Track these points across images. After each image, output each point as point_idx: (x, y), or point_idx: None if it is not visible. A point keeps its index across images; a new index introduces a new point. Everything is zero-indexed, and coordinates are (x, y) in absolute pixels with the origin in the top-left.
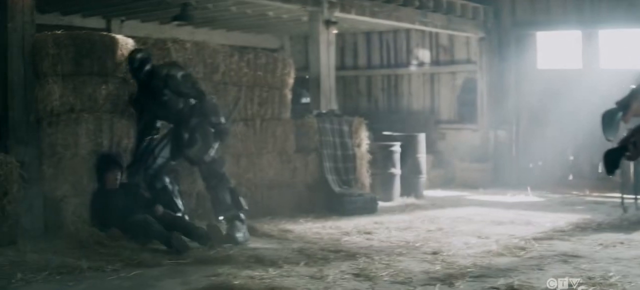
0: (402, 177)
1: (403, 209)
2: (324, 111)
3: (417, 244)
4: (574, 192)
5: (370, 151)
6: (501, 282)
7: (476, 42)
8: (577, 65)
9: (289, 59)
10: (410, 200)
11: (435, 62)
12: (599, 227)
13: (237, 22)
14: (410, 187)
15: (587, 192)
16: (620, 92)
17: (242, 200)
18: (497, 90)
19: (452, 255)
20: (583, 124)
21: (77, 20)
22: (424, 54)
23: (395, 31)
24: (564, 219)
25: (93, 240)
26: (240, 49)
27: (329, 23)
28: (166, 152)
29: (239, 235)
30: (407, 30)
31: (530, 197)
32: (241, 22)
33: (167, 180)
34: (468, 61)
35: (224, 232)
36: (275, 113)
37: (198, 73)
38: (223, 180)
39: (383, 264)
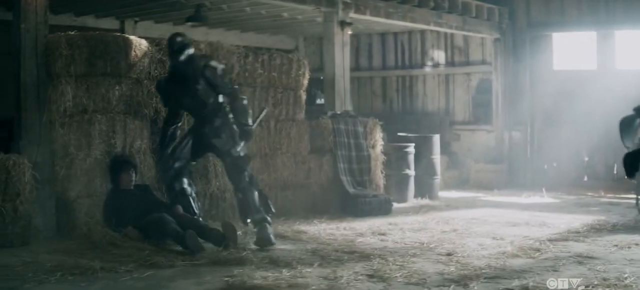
0: (416, 178)
1: (417, 210)
2: (338, 112)
3: (431, 245)
4: (589, 194)
5: (385, 152)
6: (516, 283)
7: (491, 43)
8: (592, 66)
9: (304, 59)
10: (425, 201)
11: (450, 63)
12: (614, 229)
13: (252, 23)
14: (424, 188)
15: (602, 194)
16: (636, 92)
17: (271, 203)
18: (512, 91)
19: (467, 256)
20: (598, 125)
21: (90, 21)
22: (439, 55)
23: (410, 32)
24: (578, 220)
25: (106, 241)
26: (255, 49)
27: (343, 24)
28: (187, 153)
29: (271, 236)
30: (422, 31)
31: (545, 198)
32: (256, 22)
33: (185, 182)
34: (483, 62)
35: (255, 236)
36: (290, 114)
37: None
38: (252, 182)
39: (397, 265)
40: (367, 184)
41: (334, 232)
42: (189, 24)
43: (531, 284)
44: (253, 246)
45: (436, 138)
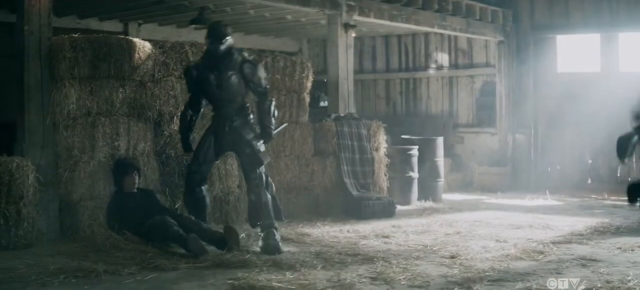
0: (420, 180)
1: (421, 212)
2: (342, 114)
3: (435, 248)
4: (593, 196)
5: (389, 155)
6: (519, 286)
7: (495, 45)
8: (595, 69)
9: (307, 62)
10: (428, 204)
11: (453, 65)
12: (618, 231)
13: (256, 26)
14: (428, 190)
15: (606, 196)
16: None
17: (282, 211)
18: (516, 94)
19: (470, 259)
20: (601, 128)
21: (94, 24)
22: (443, 58)
23: (414, 34)
24: (582, 222)
25: (109, 243)
26: (259, 52)
27: (347, 26)
28: (211, 155)
29: (279, 244)
30: (426, 34)
31: (548, 200)
32: (259, 25)
33: (204, 188)
34: (487, 64)
35: (260, 242)
36: (294, 116)
37: None
38: (267, 186)
39: (400, 267)
40: (371, 187)
41: (337, 235)
42: (193, 26)
43: (534, 286)
44: (257, 249)
45: (440, 140)
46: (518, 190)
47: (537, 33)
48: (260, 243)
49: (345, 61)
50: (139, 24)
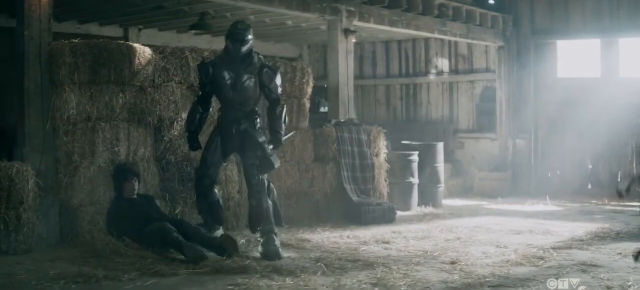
0: (420, 186)
1: (421, 218)
2: (342, 120)
3: (435, 254)
4: (593, 201)
5: (389, 160)
6: None
7: (495, 50)
8: (596, 74)
9: (308, 67)
10: (429, 209)
11: (454, 70)
12: (618, 236)
13: (256, 31)
14: (428, 196)
15: (606, 201)
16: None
17: (282, 217)
18: (516, 99)
19: (471, 264)
20: (602, 133)
21: (94, 29)
22: (443, 63)
23: (414, 40)
24: (582, 228)
25: (109, 248)
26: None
27: (347, 32)
28: (219, 157)
29: (279, 250)
30: (426, 39)
31: (549, 206)
32: (259, 31)
33: (217, 193)
34: (487, 70)
35: (259, 248)
36: (294, 122)
37: None
38: (269, 191)
39: (401, 273)
40: (371, 192)
41: (337, 241)
42: (193, 31)
43: None
44: (257, 254)
45: (440, 146)
46: (518, 195)
47: (538, 38)
48: (260, 249)
49: (345, 67)
50: (139, 29)
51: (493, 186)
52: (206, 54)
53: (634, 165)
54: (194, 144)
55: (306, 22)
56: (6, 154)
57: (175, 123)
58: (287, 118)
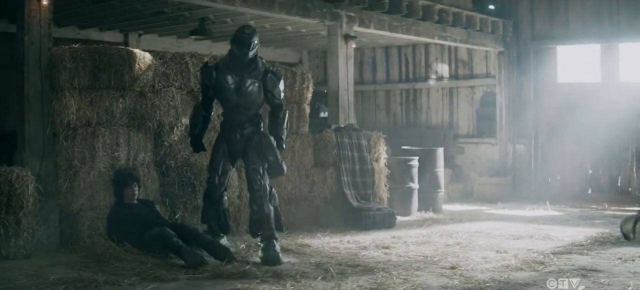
0: (420, 191)
1: (421, 223)
2: (342, 125)
3: (435, 259)
4: (593, 206)
5: (389, 165)
6: None
7: (495, 56)
8: (596, 79)
9: (308, 73)
10: (429, 214)
11: (454, 76)
12: (618, 241)
13: None
14: (428, 201)
15: (606, 206)
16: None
17: (283, 222)
18: (516, 104)
19: (471, 269)
20: (602, 138)
21: (94, 34)
22: (443, 68)
23: (414, 45)
24: (582, 233)
25: (109, 254)
26: None
27: (347, 37)
28: (227, 164)
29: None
30: (426, 45)
31: (549, 211)
32: (260, 36)
33: (226, 202)
34: (487, 75)
35: (260, 253)
36: (294, 127)
37: None
38: (271, 196)
39: (401, 278)
40: (371, 197)
41: (337, 246)
42: (193, 37)
43: None
44: (257, 259)
45: (440, 151)
46: (518, 200)
47: (538, 43)
48: (260, 253)
49: (345, 72)
50: (139, 35)
51: (493, 191)
52: (206, 59)
53: (634, 170)
54: (198, 147)
55: (306, 27)
56: (6, 159)
57: (175, 128)
58: (288, 124)
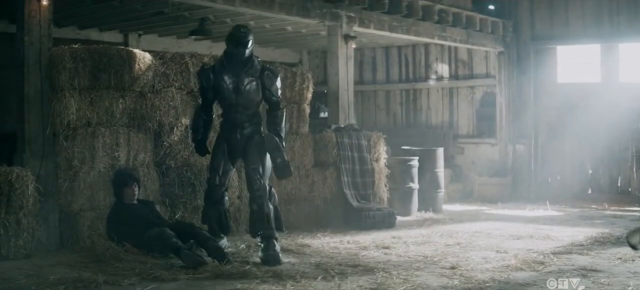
0: (420, 191)
1: (421, 223)
2: (342, 125)
3: (435, 259)
4: (593, 206)
5: (389, 166)
6: None
7: (495, 56)
8: (596, 79)
9: (308, 73)
10: (429, 214)
11: (454, 76)
12: (618, 241)
13: (256, 37)
14: (428, 201)
15: (606, 206)
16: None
17: (283, 222)
18: (516, 104)
19: (471, 270)
20: (602, 138)
21: (94, 34)
22: (443, 68)
23: (414, 45)
24: (582, 233)
25: (109, 254)
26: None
27: (347, 37)
28: (227, 164)
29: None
30: (426, 45)
31: (549, 211)
32: (260, 36)
33: (227, 202)
34: (487, 75)
35: (260, 253)
36: (294, 127)
37: None
38: (271, 196)
39: (401, 278)
40: (371, 198)
41: (337, 246)
42: (193, 37)
43: None
44: (257, 259)
45: (440, 151)
46: (518, 200)
47: (538, 43)
48: (260, 254)
49: (345, 72)
50: (139, 35)
51: (493, 191)
52: (206, 59)
53: (634, 170)
54: (203, 151)
55: (306, 27)
56: (6, 159)
57: (175, 128)
58: (287, 124)
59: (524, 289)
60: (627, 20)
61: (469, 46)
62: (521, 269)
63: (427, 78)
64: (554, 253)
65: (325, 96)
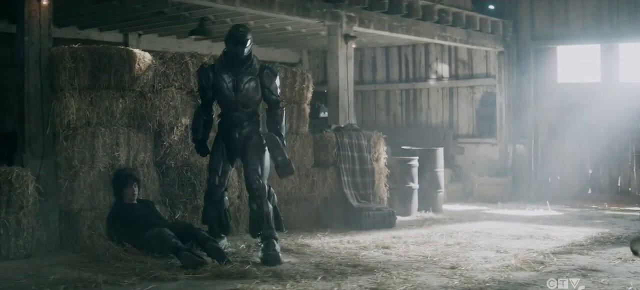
0: (420, 191)
1: (421, 223)
2: (342, 125)
3: (435, 259)
4: (593, 206)
5: (389, 165)
6: None
7: (495, 56)
8: (596, 79)
9: (308, 73)
10: (429, 214)
11: (454, 76)
12: (618, 241)
13: (256, 37)
14: (428, 201)
15: (606, 206)
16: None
17: (283, 222)
18: (516, 104)
19: (470, 269)
20: (602, 138)
21: (94, 34)
22: (443, 68)
23: (414, 45)
24: (582, 233)
25: (109, 254)
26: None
27: (347, 37)
28: (226, 163)
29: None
30: (426, 45)
31: (549, 211)
32: (260, 36)
33: (227, 202)
34: (487, 75)
35: (260, 253)
36: (294, 127)
37: None
38: (270, 196)
39: (401, 278)
40: (371, 197)
41: (337, 246)
42: (193, 37)
43: None
44: (257, 259)
45: (440, 151)
46: (518, 200)
47: (538, 43)
48: (260, 254)
49: (345, 72)
50: (139, 35)
51: (493, 191)
52: (206, 59)
53: (634, 170)
54: (203, 152)
55: (306, 27)
56: (6, 159)
57: (175, 128)
58: (288, 123)
59: (524, 289)
60: (627, 20)
61: (469, 46)
62: (521, 269)
63: (427, 78)
64: (554, 253)
65: (325, 96)
